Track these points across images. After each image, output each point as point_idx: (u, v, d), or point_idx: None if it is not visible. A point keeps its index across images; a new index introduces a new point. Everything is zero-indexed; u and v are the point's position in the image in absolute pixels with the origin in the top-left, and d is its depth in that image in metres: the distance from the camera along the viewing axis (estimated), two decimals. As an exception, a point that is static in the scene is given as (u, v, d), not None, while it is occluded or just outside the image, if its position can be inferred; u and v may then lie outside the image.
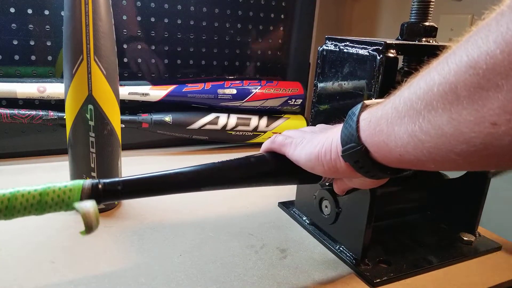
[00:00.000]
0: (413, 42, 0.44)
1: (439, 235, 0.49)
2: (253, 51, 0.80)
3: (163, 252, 0.42)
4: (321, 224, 0.48)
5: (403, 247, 0.46)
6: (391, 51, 0.39)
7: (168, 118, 0.70)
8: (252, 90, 0.75)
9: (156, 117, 0.69)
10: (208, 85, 0.73)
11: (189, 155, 0.74)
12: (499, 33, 0.19)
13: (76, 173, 0.48)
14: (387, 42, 0.39)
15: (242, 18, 0.77)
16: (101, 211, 0.50)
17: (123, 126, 0.61)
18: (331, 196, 0.44)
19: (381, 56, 0.39)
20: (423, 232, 0.49)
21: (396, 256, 0.44)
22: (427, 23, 0.44)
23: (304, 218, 0.50)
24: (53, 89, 0.62)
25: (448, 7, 0.72)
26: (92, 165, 0.46)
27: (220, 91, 0.73)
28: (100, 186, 0.30)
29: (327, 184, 0.43)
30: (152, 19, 0.70)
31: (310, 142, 0.34)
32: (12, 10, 0.60)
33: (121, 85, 0.64)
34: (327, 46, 0.46)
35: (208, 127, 0.73)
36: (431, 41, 0.44)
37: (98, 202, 0.30)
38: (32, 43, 0.62)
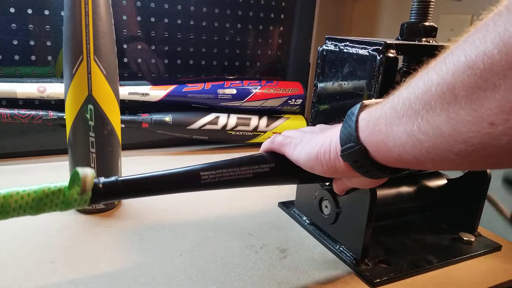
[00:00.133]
0: (413, 42, 0.44)
1: (439, 235, 0.49)
2: (253, 51, 0.80)
3: (163, 252, 0.42)
4: (321, 224, 0.48)
5: (403, 247, 0.46)
6: (391, 51, 0.39)
7: (168, 118, 0.70)
8: (252, 90, 0.75)
9: (156, 117, 0.69)
10: (208, 85, 0.73)
11: (189, 155, 0.74)
12: (496, 33, 0.19)
13: (76, 173, 0.48)
14: (387, 42, 0.39)
15: (242, 18, 0.77)
16: (101, 211, 0.50)
17: (123, 126, 0.61)
18: (331, 196, 0.44)
19: (381, 56, 0.39)
20: (423, 232, 0.49)
21: (396, 256, 0.44)
22: (427, 23, 0.44)
23: (304, 218, 0.50)
24: (53, 89, 0.62)
25: (448, 7, 0.72)
26: (92, 165, 0.46)
27: (220, 91, 0.73)
28: (100, 185, 0.30)
29: (326, 184, 0.44)
30: (152, 19, 0.70)
31: (309, 142, 0.35)
32: (12, 10, 0.60)
33: (121, 85, 0.64)
34: (327, 46, 0.46)
35: (208, 127, 0.73)
36: (431, 41, 0.44)
37: (98, 201, 0.30)
38: (32, 43, 0.62)
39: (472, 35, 0.21)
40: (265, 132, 0.77)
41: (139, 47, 0.70)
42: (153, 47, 0.71)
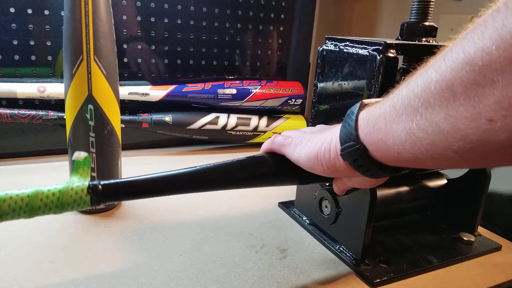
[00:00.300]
0: (413, 42, 0.44)
1: (439, 235, 0.49)
2: (253, 51, 0.80)
3: (163, 252, 0.42)
4: (321, 224, 0.48)
5: (403, 247, 0.46)
6: (391, 51, 0.39)
7: (168, 118, 0.70)
8: (252, 90, 0.75)
9: (156, 117, 0.69)
10: (208, 85, 0.73)
11: (189, 155, 0.74)
12: (494, 30, 0.19)
13: (76, 173, 0.48)
14: (387, 42, 0.39)
15: (242, 18, 0.77)
16: (101, 211, 0.50)
17: (123, 126, 0.61)
18: (331, 196, 0.44)
19: (381, 56, 0.39)
20: (423, 232, 0.49)
21: (396, 256, 0.44)
22: (427, 23, 0.44)
23: (304, 218, 0.50)
24: (53, 89, 0.62)
25: (448, 7, 0.72)
26: (92, 165, 0.46)
27: (220, 91, 0.73)
28: (99, 187, 0.30)
29: (327, 184, 0.44)
30: (152, 19, 0.70)
31: (309, 142, 0.35)
32: (12, 10, 0.60)
33: (121, 85, 0.64)
34: (327, 46, 0.46)
35: (208, 127, 0.73)
36: (431, 41, 0.44)
37: (97, 203, 0.30)
38: (32, 43, 0.62)
39: (470, 32, 0.21)
40: (265, 132, 0.77)
41: (139, 47, 0.70)
42: (153, 47, 0.71)
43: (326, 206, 0.46)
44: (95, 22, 0.43)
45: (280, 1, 0.80)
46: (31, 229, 0.44)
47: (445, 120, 0.22)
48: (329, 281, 0.40)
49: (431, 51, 0.43)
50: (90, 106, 0.45)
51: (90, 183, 0.29)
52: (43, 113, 0.61)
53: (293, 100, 0.79)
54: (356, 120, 0.29)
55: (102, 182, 0.30)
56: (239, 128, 0.75)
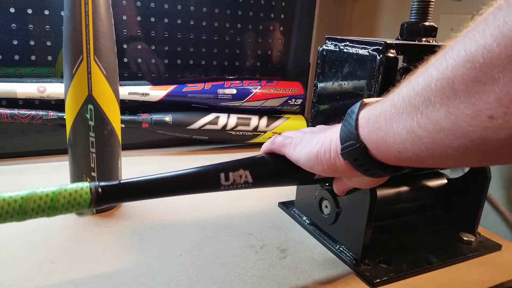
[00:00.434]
0: (413, 42, 0.44)
1: (439, 235, 0.49)
2: (253, 51, 0.80)
3: (163, 252, 0.42)
4: (321, 224, 0.48)
5: (403, 247, 0.46)
6: (391, 51, 0.39)
7: (168, 118, 0.70)
8: (252, 90, 0.75)
9: (156, 117, 0.69)
10: (208, 85, 0.73)
11: (189, 155, 0.74)
12: (496, 27, 0.19)
13: (76, 173, 0.48)
14: (387, 42, 0.39)
15: (242, 18, 0.77)
16: (101, 211, 0.50)
17: (123, 126, 0.61)
18: (331, 196, 0.44)
19: (381, 56, 0.39)
20: (423, 232, 0.49)
21: (396, 256, 0.44)
22: (427, 23, 0.44)
23: (304, 218, 0.50)
24: (53, 89, 0.62)
25: (448, 7, 0.72)
26: (92, 165, 0.46)
27: (220, 91, 0.73)
28: (100, 189, 0.30)
29: (326, 184, 0.44)
30: (152, 19, 0.70)
31: (309, 142, 0.35)
32: (12, 10, 0.60)
33: (121, 85, 0.64)
34: (327, 46, 0.46)
35: (208, 127, 0.73)
36: (431, 41, 0.44)
37: (98, 205, 0.30)
38: (32, 43, 0.62)
39: (472, 30, 0.21)
40: (265, 132, 0.77)
41: (139, 47, 0.70)
42: (153, 47, 0.71)
43: (326, 206, 0.45)
44: (95, 22, 0.43)
45: (280, 1, 0.80)
46: (31, 229, 0.44)
47: (446, 118, 0.22)
48: (329, 281, 0.40)
49: (431, 51, 0.43)
50: (90, 106, 0.45)
51: (90, 184, 0.29)
52: (43, 113, 0.61)
53: (293, 100, 0.79)
54: (357, 119, 0.29)
55: (101, 184, 0.30)
56: (239, 128, 0.75)
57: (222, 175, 0.34)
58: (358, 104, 0.30)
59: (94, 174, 0.47)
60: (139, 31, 0.69)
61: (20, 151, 0.66)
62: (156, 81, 0.72)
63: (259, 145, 0.41)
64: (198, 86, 0.72)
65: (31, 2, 0.61)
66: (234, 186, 0.34)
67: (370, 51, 0.40)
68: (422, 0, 0.44)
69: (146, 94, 0.69)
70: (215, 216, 0.51)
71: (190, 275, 0.39)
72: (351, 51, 0.43)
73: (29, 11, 0.61)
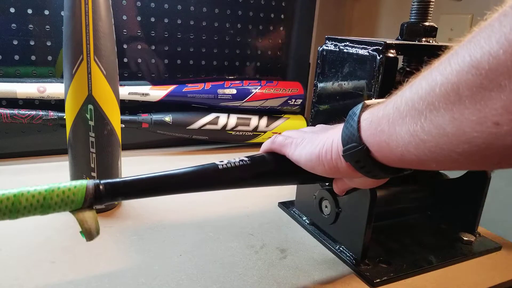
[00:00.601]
0: (413, 42, 0.44)
1: (439, 235, 0.49)
2: (253, 51, 0.80)
3: (163, 252, 0.42)
4: (321, 224, 0.48)
5: (403, 247, 0.46)
6: (391, 51, 0.39)
7: (168, 118, 0.70)
8: (252, 90, 0.75)
9: (156, 117, 0.69)
10: (208, 85, 0.73)
11: (189, 155, 0.74)
12: (502, 34, 0.19)
13: (76, 173, 0.48)
14: (387, 42, 0.39)
15: (242, 18, 0.77)
16: (101, 211, 0.50)
17: (123, 126, 0.61)
18: (331, 196, 0.44)
19: (381, 56, 0.39)
20: (423, 232, 0.49)
21: (396, 256, 0.44)
22: (427, 23, 0.44)
23: (304, 218, 0.50)
24: (53, 89, 0.62)
25: (448, 7, 0.72)
26: (92, 165, 0.46)
27: (220, 91, 0.73)
28: (101, 186, 0.30)
29: (327, 184, 0.44)
30: (152, 19, 0.70)
31: (310, 142, 0.34)
32: (12, 10, 0.60)
33: (121, 85, 0.64)
34: (327, 46, 0.46)
35: (208, 127, 0.73)
36: (431, 41, 0.44)
37: (99, 203, 0.30)
38: (32, 43, 0.62)
39: (477, 35, 0.21)
40: (265, 132, 0.77)
41: (139, 47, 0.70)
42: (153, 47, 0.71)
43: (326, 206, 0.46)
44: (95, 22, 0.43)
45: (280, 1, 0.80)
46: (31, 229, 0.44)
47: (450, 123, 0.22)
48: (329, 281, 0.40)
49: (431, 51, 0.43)
50: (90, 106, 0.45)
51: (92, 182, 0.29)
52: (43, 113, 0.61)
53: (293, 100, 0.79)
54: (359, 121, 0.29)
55: (102, 182, 0.30)
56: (239, 128, 0.75)
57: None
58: (360, 105, 0.30)
59: (94, 174, 0.47)
60: (139, 31, 0.69)
61: (20, 151, 0.66)
62: (156, 81, 0.72)
63: (259, 145, 0.41)
64: (198, 86, 0.72)
65: (31, 2, 0.61)
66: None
67: (370, 51, 0.40)
68: (422, 0, 0.44)
69: (146, 94, 0.69)
70: (215, 216, 0.51)
71: (190, 275, 0.39)
72: (351, 51, 0.43)
73: (29, 11, 0.61)
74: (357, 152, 0.29)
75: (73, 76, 0.44)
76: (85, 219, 0.28)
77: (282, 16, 0.81)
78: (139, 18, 0.69)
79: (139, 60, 0.71)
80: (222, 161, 0.35)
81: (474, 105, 0.20)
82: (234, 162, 0.35)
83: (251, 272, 0.40)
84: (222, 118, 0.74)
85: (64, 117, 0.54)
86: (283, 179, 0.38)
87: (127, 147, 0.68)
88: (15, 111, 0.60)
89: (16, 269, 0.38)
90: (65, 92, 0.46)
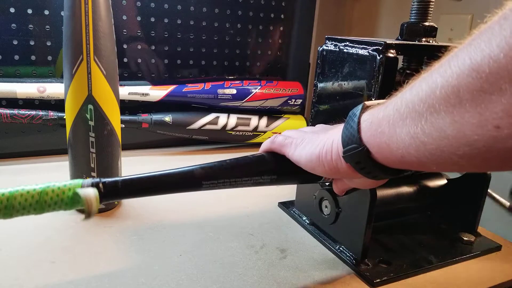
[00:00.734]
0: (413, 42, 0.44)
1: (439, 235, 0.49)
2: (253, 51, 0.80)
3: (163, 252, 0.42)
4: (321, 224, 0.48)
5: (403, 247, 0.46)
6: (391, 51, 0.39)
7: (168, 118, 0.70)
8: (252, 90, 0.75)
9: (156, 117, 0.69)
10: (208, 85, 0.73)
11: (189, 155, 0.74)
12: (502, 37, 0.19)
13: (76, 173, 0.48)
14: (387, 42, 0.39)
15: (242, 18, 0.77)
16: (101, 211, 0.50)
17: (123, 126, 0.61)
18: (331, 196, 0.44)
19: (381, 56, 0.39)
20: (423, 232, 0.49)
21: (396, 256, 0.44)
22: (427, 23, 0.44)
23: (304, 218, 0.50)
24: (53, 89, 0.62)
25: (448, 7, 0.72)
26: (92, 165, 0.46)
27: (220, 91, 0.73)
28: (100, 185, 0.30)
29: (327, 184, 0.44)
30: (152, 19, 0.70)
31: (310, 143, 0.34)
32: (12, 10, 0.60)
33: (121, 85, 0.64)
34: (327, 46, 0.46)
35: (208, 127, 0.73)
36: (431, 41, 0.44)
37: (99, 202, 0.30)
38: (32, 43, 0.62)
39: (477, 38, 0.20)
40: (265, 132, 0.77)
41: (139, 47, 0.70)
42: (153, 47, 0.71)
43: (326, 206, 0.46)
44: (95, 22, 0.43)
45: (280, 1, 0.80)
46: (31, 229, 0.44)
47: (451, 125, 0.22)
48: (329, 281, 0.40)
49: (431, 51, 0.43)
50: (90, 106, 0.45)
51: (89, 181, 0.29)
52: (43, 113, 0.61)
53: (293, 100, 0.79)
54: (359, 122, 0.29)
55: (102, 180, 0.30)
56: (239, 128, 0.75)
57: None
58: (360, 106, 0.30)
59: (94, 174, 0.47)
60: (139, 31, 0.69)
61: (20, 151, 0.66)
62: (156, 81, 0.72)
63: (259, 145, 0.41)
64: (198, 86, 0.72)
65: (31, 2, 0.61)
66: None
67: (370, 51, 0.40)
68: (422, 0, 0.44)
69: (146, 94, 0.69)
70: (215, 216, 0.51)
71: (190, 275, 0.39)
72: (351, 51, 0.43)
73: (29, 11, 0.61)
74: (357, 153, 0.29)
75: (73, 76, 0.44)
76: (89, 197, 0.28)
77: (282, 16, 0.81)
78: (139, 18, 0.69)
79: (139, 60, 0.71)
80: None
81: (474, 108, 0.20)
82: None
83: (251, 272, 0.40)
84: (222, 118, 0.74)
85: (64, 117, 0.54)
86: (283, 179, 0.38)
87: (127, 147, 0.68)
88: (15, 111, 0.60)
89: (16, 269, 0.38)
90: (65, 92, 0.46)
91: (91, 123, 0.45)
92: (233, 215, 0.52)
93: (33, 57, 0.63)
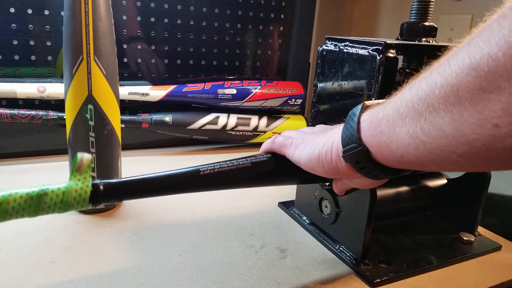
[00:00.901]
0: (413, 42, 0.44)
1: (439, 235, 0.49)
2: (253, 51, 0.80)
3: (163, 252, 0.42)
4: (321, 224, 0.48)
5: (403, 247, 0.46)
6: (391, 51, 0.39)
7: (168, 118, 0.70)
8: (252, 90, 0.75)
9: (156, 117, 0.69)
10: (208, 85, 0.73)
11: (189, 155, 0.74)
12: (501, 36, 0.19)
13: (76, 173, 0.48)
14: (387, 42, 0.39)
15: (242, 18, 0.77)
16: (101, 211, 0.50)
17: (123, 126, 0.61)
18: (331, 196, 0.44)
19: (381, 56, 0.39)
20: (423, 232, 0.49)
21: (396, 256, 0.44)
22: (427, 23, 0.44)
23: (304, 218, 0.50)
24: (53, 89, 0.62)
25: (448, 7, 0.72)
26: (92, 165, 0.46)
27: (220, 91, 0.73)
28: (101, 187, 0.30)
29: (327, 184, 0.44)
30: (152, 19, 0.70)
31: (310, 143, 0.34)
32: (12, 10, 0.60)
33: (121, 85, 0.64)
34: (327, 46, 0.46)
35: (208, 127, 0.73)
36: (431, 41, 0.44)
37: (98, 203, 0.30)
38: (32, 43, 0.62)
39: (476, 37, 0.20)
40: (265, 132, 0.77)
41: (139, 47, 0.70)
42: (153, 47, 0.71)
43: (326, 206, 0.46)
44: (95, 22, 0.43)
45: (280, 1, 0.80)
46: (31, 229, 0.44)
47: (450, 124, 0.22)
48: (329, 281, 0.40)
49: (431, 51, 0.43)
50: (90, 106, 0.45)
51: (92, 182, 0.29)
52: (43, 113, 0.61)
53: (293, 100, 0.79)
54: (358, 122, 0.29)
55: (103, 181, 0.30)
56: (239, 128, 0.75)
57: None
58: (360, 106, 0.30)
59: (94, 174, 0.47)
60: (139, 31, 0.69)
61: (20, 151, 0.66)
62: (156, 81, 0.72)
63: (259, 145, 0.41)
64: (198, 86, 0.72)
65: (31, 2, 0.61)
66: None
67: (370, 51, 0.40)
68: (422, 0, 0.44)
69: (146, 94, 0.69)
70: (215, 216, 0.51)
71: (190, 275, 0.39)
72: (351, 51, 0.43)
73: (29, 11, 0.61)
74: (357, 153, 0.29)
75: (73, 76, 0.44)
76: (81, 159, 0.29)
77: (282, 16, 0.81)
78: (139, 18, 0.69)
79: (139, 60, 0.71)
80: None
81: (473, 107, 0.20)
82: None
83: (251, 272, 0.40)
84: (222, 118, 0.74)
85: (64, 117, 0.54)
86: (283, 179, 0.38)
87: (127, 147, 0.68)
88: (15, 111, 0.60)
89: (16, 269, 0.38)
90: (65, 92, 0.46)
91: (91, 123, 0.45)
92: (233, 215, 0.52)
93: (33, 57, 0.63)
